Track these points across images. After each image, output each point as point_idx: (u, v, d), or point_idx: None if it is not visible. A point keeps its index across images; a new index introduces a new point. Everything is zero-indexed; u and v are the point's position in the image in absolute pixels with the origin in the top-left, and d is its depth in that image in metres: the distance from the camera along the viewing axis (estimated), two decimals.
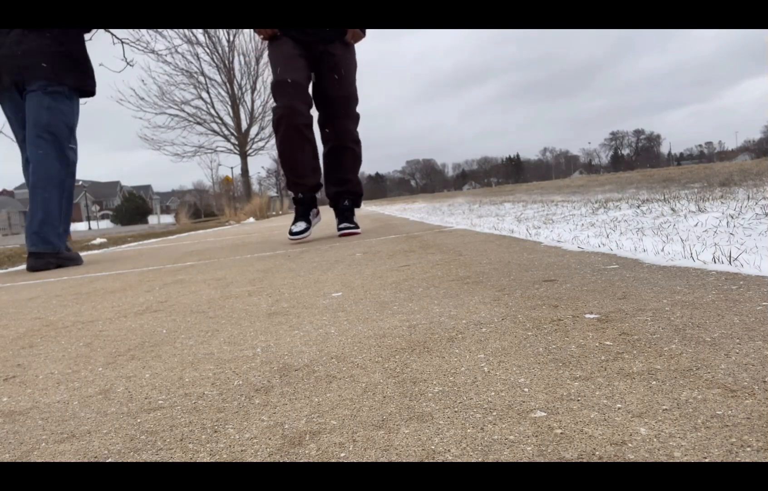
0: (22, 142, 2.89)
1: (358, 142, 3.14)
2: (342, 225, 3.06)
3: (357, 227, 3.06)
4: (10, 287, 2.12)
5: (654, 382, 0.51)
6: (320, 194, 3.26)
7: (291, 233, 2.89)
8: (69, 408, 0.62)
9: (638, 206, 2.69)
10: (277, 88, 2.84)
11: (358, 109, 3.12)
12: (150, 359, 0.79)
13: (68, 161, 2.86)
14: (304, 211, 3.00)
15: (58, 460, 0.49)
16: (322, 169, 3.15)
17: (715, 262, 1.07)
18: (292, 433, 0.49)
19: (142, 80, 20.97)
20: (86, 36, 3.05)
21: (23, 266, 2.92)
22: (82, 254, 3.41)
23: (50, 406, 0.64)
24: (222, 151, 20.04)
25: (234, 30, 16.71)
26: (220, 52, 17.57)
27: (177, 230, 9.47)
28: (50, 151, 2.78)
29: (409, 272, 1.36)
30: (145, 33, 8.83)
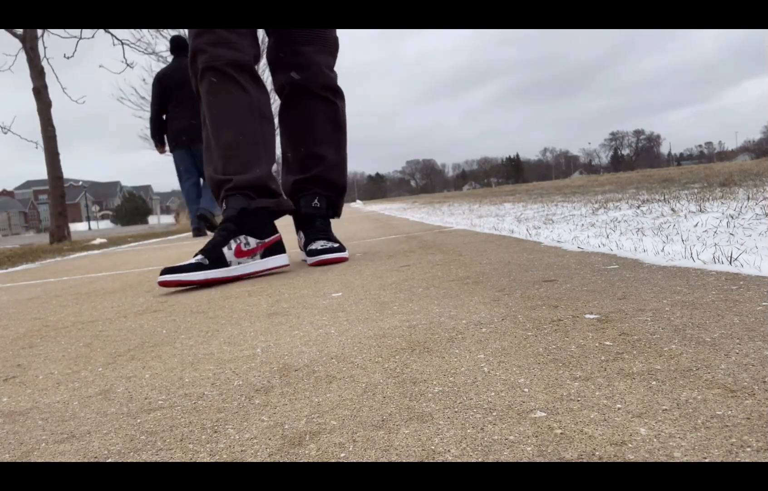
0: (184, 172, 5.21)
1: (336, 90, 1.77)
2: (313, 247, 1.68)
3: (340, 247, 1.69)
4: (10, 287, 2.12)
5: (654, 382, 0.51)
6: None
7: (162, 271, 1.44)
8: (69, 408, 0.62)
9: (638, 207, 2.69)
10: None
11: (352, 104, 1.96)
12: (150, 360, 0.79)
13: None
14: (219, 237, 1.51)
15: (58, 460, 0.49)
16: (278, 140, 1.78)
17: (715, 262, 1.07)
18: (292, 433, 0.49)
19: (143, 79, 20.96)
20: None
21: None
22: (83, 253, 4.15)
23: (50, 406, 0.64)
24: None
25: None
26: None
27: (177, 230, 9.47)
28: None
29: (409, 272, 1.36)
30: (146, 33, 8.84)
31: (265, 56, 1.82)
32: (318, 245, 1.68)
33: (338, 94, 1.80)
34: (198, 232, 5.17)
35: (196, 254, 1.51)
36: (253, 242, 1.55)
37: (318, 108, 1.75)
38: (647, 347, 0.61)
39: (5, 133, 6.59)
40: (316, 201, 1.77)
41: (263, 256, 1.58)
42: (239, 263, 1.52)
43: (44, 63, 6.29)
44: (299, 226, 1.80)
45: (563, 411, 0.47)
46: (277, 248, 1.63)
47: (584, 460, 0.39)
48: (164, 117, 5.22)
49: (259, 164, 1.60)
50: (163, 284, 1.44)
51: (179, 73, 4.94)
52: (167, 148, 5.31)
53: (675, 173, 7.94)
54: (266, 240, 1.59)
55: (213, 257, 1.48)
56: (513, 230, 2.35)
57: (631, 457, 0.39)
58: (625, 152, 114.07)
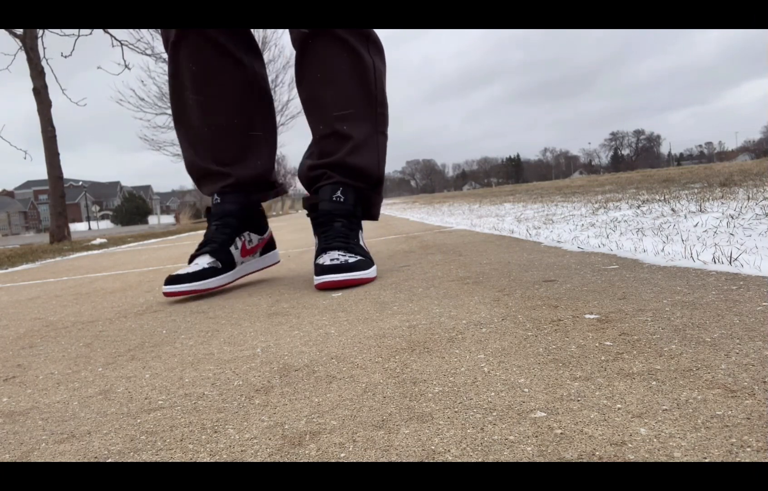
0: None
1: (368, 37, 1.30)
2: (320, 260, 1.22)
3: (360, 262, 1.22)
4: (10, 287, 2.12)
5: (654, 382, 0.51)
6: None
7: (168, 280, 1.25)
8: (69, 409, 0.62)
9: (638, 207, 2.69)
10: None
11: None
12: (150, 360, 0.79)
13: None
14: (223, 234, 1.35)
15: (58, 460, 0.49)
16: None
17: (715, 262, 1.07)
18: (292, 433, 0.49)
19: (142, 81, 21.02)
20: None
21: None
22: (83, 253, 4.20)
23: (50, 406, 0.64)
24: None
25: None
26: None
27: (177, 230, 9.48)
28: None
29: (409, 272, 1.36)
30: (145, 33, 8.87)
31: None
32: (327, 258, 1.21)
33: (371, 42, 1.28)
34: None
35: (200, 252, 1.33)
36: (255, 238, 1.45)
37: (339, 57, 1.26)
38: (647, 347, 0.61)
39: None
40: (338, 193, 1.31)
41: (262, 253, 1.50)
42: (242, 263, 1.41)
43: (44, 63, 6.29)
44: (316, 229, 1.35)
45: (563, 411, 0.47)
46: (272, 244, 1.56)
47: (584, 460, 0.39)
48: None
49: (260, 154, 1.42)
50: (169, 295, 1.25)
51: None
52: None
53: (675, 173, 7.94)
54: (265, 236, 1.50)
55: (224, 258, 1.34)
56: (513, 230, 2.35)
57: (631, 457, 0.39)
58: (625, 152, 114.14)
